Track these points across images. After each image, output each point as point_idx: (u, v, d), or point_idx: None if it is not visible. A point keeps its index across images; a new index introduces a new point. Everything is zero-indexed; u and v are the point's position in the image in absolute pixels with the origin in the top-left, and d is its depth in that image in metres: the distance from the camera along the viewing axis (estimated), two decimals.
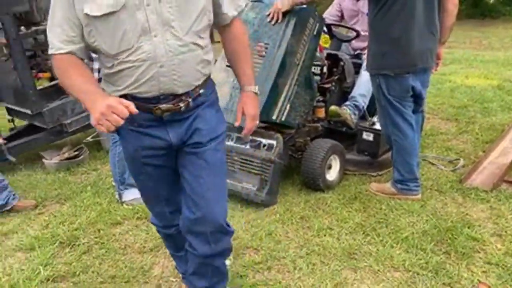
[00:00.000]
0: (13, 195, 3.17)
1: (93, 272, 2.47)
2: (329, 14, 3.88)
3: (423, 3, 2.67)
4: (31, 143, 3.96)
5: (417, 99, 2.91)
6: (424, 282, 2.22)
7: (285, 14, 2.92)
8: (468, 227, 2.64)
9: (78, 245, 2.73)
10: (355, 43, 3.78)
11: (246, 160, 3.09)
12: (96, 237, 2.80)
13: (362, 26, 3.49)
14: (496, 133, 4.12)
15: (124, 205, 3.11)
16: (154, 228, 2.76)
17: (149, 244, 2.69)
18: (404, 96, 2.82)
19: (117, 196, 3.19)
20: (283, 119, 3.03)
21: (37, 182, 3.67)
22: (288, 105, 3.03)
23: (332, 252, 2.49)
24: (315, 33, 3.05)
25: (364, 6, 3.47)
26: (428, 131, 4.25)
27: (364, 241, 2.58)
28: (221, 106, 3.02)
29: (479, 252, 2.43)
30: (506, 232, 2.59)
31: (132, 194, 3.13)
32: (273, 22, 2.94)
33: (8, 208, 3.14)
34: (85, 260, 2.58)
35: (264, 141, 3.09)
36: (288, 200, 3.09)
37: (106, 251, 2.65)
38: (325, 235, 2.66)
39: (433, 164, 3.55)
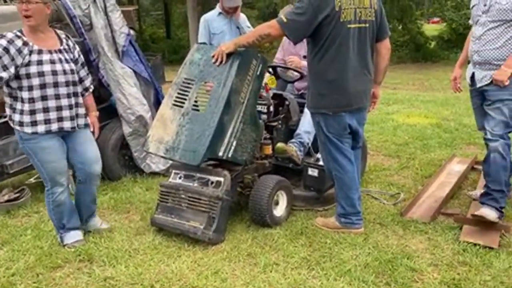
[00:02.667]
0: None
1: None
2: (276, 58, 4.08)
3: (357, 47, 2.87)
4: None
5: (355, 135, 3.07)
6: None
7: (228, 55, 3.03)
8: (408, 258, 2.74)
9: None
10: (298, 84, 3.96)
11: (194, 197, 3.09)
12: (34, 282, 2.67)
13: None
14: (434, 168, 4.36)
15: (66, 247, 3.00)
16: (96, 271, 2.71)
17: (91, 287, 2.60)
18: (341, 133, 2.97)
19: (58, 239, 3.09)
20: (229, 155, 3.08)
21: None
22: (235, 142, 3.09)
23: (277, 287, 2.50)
24: (258, 73, 3.18)
25: (301, 49, 3.68)
26: (372, 167, 4.43)
27: (309, 276, 2.61)
28: (167, 144, 3.09)
29: (417, 282, 2.52)
30: (442, 262, 2.70)
31: (73, 237, 3.05)
32: (217, 63, 3.05)
33: None
34: None
35: (211, 178, 3.11)
36: (236, 237, 3.10)
37: None
38: (271, 271, 2.67)
39: (375, 198, 3.69)
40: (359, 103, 2.97)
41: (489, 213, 2.99)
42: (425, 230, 3.09)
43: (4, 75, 2.65)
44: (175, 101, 3.17)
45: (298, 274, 2.62)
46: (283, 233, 3.12)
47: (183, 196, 3.13)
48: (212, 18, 4.50)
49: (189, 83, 3.17)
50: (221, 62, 3.03)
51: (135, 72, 4.42)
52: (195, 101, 3.11)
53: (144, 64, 4.55)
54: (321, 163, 3.45)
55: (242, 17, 4.69)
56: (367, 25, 2.89)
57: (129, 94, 4.26)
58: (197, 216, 3.05)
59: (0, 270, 2.79)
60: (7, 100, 2.81)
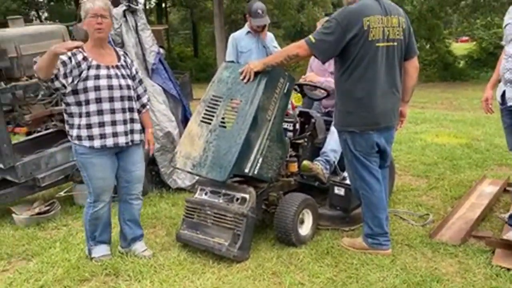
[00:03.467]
0: None
1: None
2: (307, 75, 4.09)
3: (385, 66, 2.86)
4: (2, 198, 3.89)
5: (382, 154, 3.03)
6: None
7: (256, 73, 3.07)
8: (437, 282, 2.65)
9: None
10: (325, 101, 3.95)
11: (219, 214, 3.10)
12: None
13: (331, 83, 3.66)
14: (464, 189, 4.24)
15: (93, 261, 3.04)
16: (122, 285, 2.73)
17: None
18: (369, 152, 2.94)
19: (86, 252, 3.13)
20: (255, 172, 3.09)
21: (4, 237, 3.58)
22: (261, 159, 3.10)
23: None
24: (285, 91, 3.19)
25: (330, 67, 3.68)
26: (400, 187, 4.35)
27: None
28: (194, 160, 3.13)
29: None
30: (473, 286, 2.61)
31: (102, 251, 3.08)
32: (245, 81, 3.08)
33: None
34: None
35: (237, 194, 3.12)
36: (260, 255, 3.07)
37: None
38: None
39: (403, 219, 3.61)
40: (387, 122, 2.94)
41: None
42: (455, 253, 3.00)
43: (64, 82, 2.74)
44: (203, 117, 3.21)
45: None
46: (308, 253, 3.08)
47: (208, 212, 3.15)
48: (240, 36, 4.58)
49: (217, 100, 3.21)
50: (248, 79, 3.06)
51: (164, 89, 4.52)
52: (223, 118, 3.14)
53: (172, 81, 4.65)
54: (347, 182, 3.41)
55: (269, 36, 4.76)
56: (396, 43, 2.88)
57: (158, 111, 4.35)
58: (222, 232, 3.05)
59: (30, 282, 2.85)
60: (65, 116, 2.91)
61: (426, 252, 3.05)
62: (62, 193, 4.20)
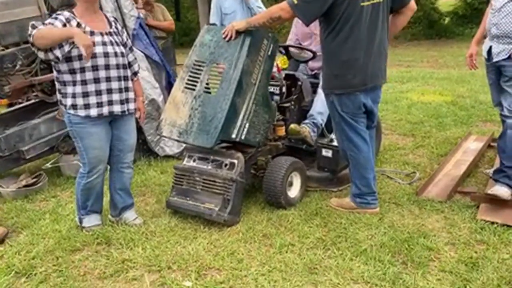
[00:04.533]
0: None
1: None
2: (289, 39, 4.02)
3: (371, 25, 2.81)
4: None
5: (369, 114, 3.03)
6: None
7: (239, 34, 3.00)
8: (424, 237, 2.72)
9: (35, 274, 2.63)
10: (312, 64, 3.90)
11: (208, 180, 3.10)
12: (54, 265, 2.72)
13: (316, 47, 3.61)
14: (450, 146, 4.30)
15: (84, 231, 3.05)
16: (114, 253, 2.75)
17: (109, 270, 2.63)
18: (356, 112, 2.93)
19: (77, 221, 3.13)
20: (242, 137, 3.07)
21: None
22: (247, 124, 3.08)
23: (293, 268, 2.52)
24: (269, 53, 3.14)
25: (316, 28, 3.60)
26: (387, 146, 4.39)
27: (325, 256, 2.62)
28: (180, 127, 3.10)
29: (434, 261, 2.51)
30: (459, 240, 2.68)
31: (93, 221, 3.08)
32: (227, 39, 3.01)
33: None
34: None
35: (225, 160, 3.12)
36: (251, 219, 3.11)
37: (64, 279, 2.57)
38: (286, 252, 2.68)
39: (391, 178, 3.67)
40: (374, 82, 2.92)
41: (502, 191, 2.97)
42: (441, 209, 3.06)
43: (58, 54, 2.65)
44: (187, 84, 3.16)
45: (313, 254, 2.63)
46: (297, 214, 3.12)
47: (197, 178, 3.15)
48: None
49: (200, 65, 3.15)
50: (230, 38, 3.00)
51: (146, 55, 4.41)
52: (207, 84, 3.09)
53: (154, 47, 4.54)
54: (334, 143, 3.43)
55: None
56: (380, 0, 2.83)
57: (141, 78, 4.23)
58: (212, 198, 3.07)
59: (21, 253, 2.85)
60: (57, 85, 2.84)
61: (413, 209, 3.11)
62: (48, 165, 4.15)
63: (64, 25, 2.67)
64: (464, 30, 16.52)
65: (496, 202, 2.96)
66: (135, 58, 3.10)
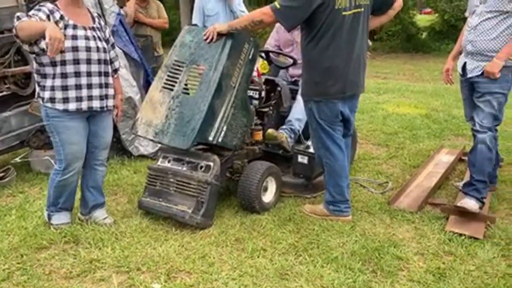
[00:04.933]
0: None
1: None
2: (269, 44, 4.03)
3: (352, 33, 2.85)
4: None
5: (346, 123, 3.06)
6: None
7: (220, 36, 2.99)
8: (394, 247, 2.76)
9: None
10: (292, 70, 3.92)
11: (183, 181, 3.07)
12: (18, 263, 2.63)
13: (297, 54, 3.63)
14: (423, 158, 4.38)
15: (52, 228, 2.96)
16: (82, 252, 2.68)
17: (76, 269, 2.57)
18: (333, 120, 2.96)
19: (45, 217, 3.04)
20: (219, 140, 3.05)
21: None
22: (225, 127, 3.06)
23: (264, 273, 2.51)
24: (250, 57, 3.14)
25: (298, 36, 3.62)
26: (361, 155, 4.45)
27: (296, 262, 2.62)
28: (156, 127, 3.06)
29: (403, 270, 2.54)
30: (428, 251, 2.73)
31: (62, 219, 3.00)
32: (208, 41, 3.00)
33: None
34: None
35: (201, 162, 3.09)
36: (224, 222, 3.09)
37: (28, 278, 2.49)
38: (258, 257, 2.67)
39: (364, 186, 3.71)
40: (353, 90, 2.96)
41: (471, 204, 3.04)
42: (412, 220, 3.11)
43: (44, 46, 2.56)
44: (165, 83, 3.13)
45: (285, 260, 2.63)
46: (271, 219, 3.12)
47: (171, 180, 3.11)
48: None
49: (179, 66, 3.12)
50: (211, 39, 2.99)
51: (124, 53, 4.34)
52: (186, 84, 3.06)
53: (134, 44, 4.48)
54: (311, 150, 3.45)
55: (236, 1, 4.62)
56: (362, 9, 2.87)
57: (119, 75, 4.17)
58: (185, 200, 3.03)
59: None
60: (36, 78, 2.77)
61: (384, 218, 3.15)
62: (17, 159, 4.04)
63: (48, 17, 2.62)
64: (440, 46, 16.96)
65: (465, 215, 3.03)
66: (116, 55, 3.06)
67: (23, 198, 3.56)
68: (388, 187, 3.68)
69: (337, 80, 2.87)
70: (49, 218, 3.01)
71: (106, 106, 2.90)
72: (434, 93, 7.88)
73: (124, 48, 4.34)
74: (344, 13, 2.79)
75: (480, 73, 3.10)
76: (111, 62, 2.97)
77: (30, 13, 2.63)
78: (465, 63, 3.23)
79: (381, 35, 17.81)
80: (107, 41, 2.92)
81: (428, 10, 29.29)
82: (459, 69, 3.32)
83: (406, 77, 11.07)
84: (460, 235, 2.86)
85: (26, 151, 4.17)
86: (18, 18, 2.56)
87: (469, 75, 3.19)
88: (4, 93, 4.29)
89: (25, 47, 2.65)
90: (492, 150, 3.14)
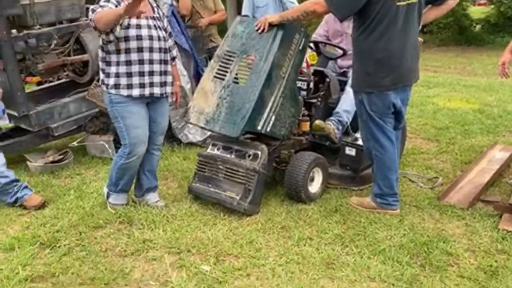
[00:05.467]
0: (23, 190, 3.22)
1: (72, 273, 2.47)
2: (317, 34, 4.01)
3: (405, 24, 2.79)
4: (16, 145, 3.95)
5: (397, 115, 3.02)
6: None
7: (272, 27, 3.02)
8: (444, 242, 2.71)
9: (59, 246, 2.72)
10: (341, 61, 3.89)
11: (231, 169, 3.14)
12: (77, 240, 2.81)
13: (347, 45, 3.61)
14: (475, 154, 4.24)
15: (108, 207, 3.12)
16: (136, 233, 2.81)
17: (130, 248, 2.70)
18: (385, 112, 2.93)
19: (104, 193, 3.19)
20: (268, 129, 3.09)
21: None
22: (274, 117, 3.10)
23: (311, 261, 2.54)
24: (300, 48, 3.15)
25: (348, 27, 3.59)
26: (410, 150, 4.36)
27: (343, 252, 2.63)
28: (208, 115, 3.14)
29: (452, 266, 2.50)
30: (479, 248, 2.66)
31: (120, 199, 3.15)
32: (259, 31, 3.04)
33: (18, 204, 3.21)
34: (65, 261, 2.58)
35: (249, 151, 3.15)
36: (270, 210, 3.14)
37: (86, 254, 2.65)
38: (304, 245, 2.70)
39: (412, 181, 3.64)
40: (406, 81, 2.91)
41: None
42: (462, 216, 3.04)
43: (118, 34, 2.75)
44: (217, 73, 3.19)
45: (331, 249, 2.65)
46: (317, 210, 3.14)
47: (220, 166, 3.19)
48: None
49: (230, 56, 3.18)
50: (263, 30, 3.03)
51: (176, 43, 4.45)
52: (236, 74, 3.12)
53: (185, 35, 4.58)
54: (359, 142, 3.42)
55: None
56: (416, 1, 2.81)
57: None
58: (233, 187, 3.10)
59: (46, 226, 2.95)
60: (101, 65, 2.93)
61: (433, 213, 3.09)
62: (75, 143, 4.26)
63: (116, 6, 2.75)
64: (495, 39, 16.18)
65: None
66: (174, 44, 3.18)
67: (80, 179, 3.75)
68: (438, 182, 3.60)
69: (390, 72, 2.83)
70: (108, 197, 3.16)
71: (165, 93, 3.03)
72: (487, 87, 7.55)
73: (175, 39, 4.42)
74: (398, 3, 2.75)
75: None
76: (169, 50, 3.08)
77: (101, 3, 2.77)
78: None
79: (432, 28, 17.18)
80: (165, 30, 3.02)
81: (483, 1, 27.97)
82: None
83: (457, 70, 10.67)
84: None
85: (82, 135, 4.39)
86: (93, 10, 2.71)
87: None
88: (64, 80, 4.52)
89: (103, 37, 2.78)
90: None
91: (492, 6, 18.90)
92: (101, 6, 2.74)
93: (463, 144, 4.54)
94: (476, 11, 20.47)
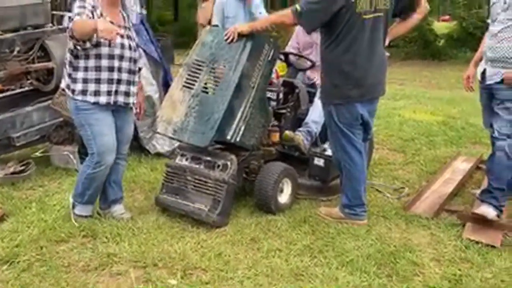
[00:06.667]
0: None
1: None
2: (290, 46, 4.06)
3: (372, 37, 2.86)
4: None
5: (365, 127, 3.06)
6: None
7: (240, 37, 3.02)
8: (410, 252, 2.74)
9: (18, 262, 2.60)
10: (310, 73, 3.93)
11: (200, 180, 3.10)
12: (38, 254, 2.69)
13: (317, 57, 3.65)
14: (439, 164, 4.35)
15: (72, 218, 3.00)
16: (100, 247, 2.73)
17: (93, 263, 2.61)
18: (353, 123, 2.97)
19: (70, 203, 3.07)
20: (237, 139, 3.08)
21: None
22: (243, 126, 3.09)
23: (279, 273, 2.52)
24: (270, 58, 3.17)
25: (318, 38, 3.64)
26: (377, 160, 4.43)
27: (311, 263, 2.62)
28: (176, 125, 3.10)
29: (418, 276, 2.53)
30: (444, 257, 2.71)
31: (85, 211, 3.04)
32: (228, 41, 3.04)
33: None
34: (24, 278, 2.46)
35: (218, 161, 3.12)
36: (240, 222, 3.11)
37: (47, 269, 2.54)
38: (273, 257, 2.68)
39: (379, 191, 3.70)
40: (373, 94, 2.97)
41: (488, 211, 3.01)
42: (428, 226, 3.10)
43: (95, 42, 2.70)
44: (185, 82, 3.17)
45: (300, 261, 2.64)
46: (286, 220, 3.13)
47: (189, 177, 3.14)
48: (227, 1, 4.48)
49: (199, 65, 3.16)
50: (232, 40, 3.02)
51: (145, 52, 4.40)
52: (205, 84, 3.10)
53: (154, 44, 4.54)
54: (327, 153, 3.45)
55: (255, 3, 4.65)
56: (382, 14, 2.88)
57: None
58: (202, 198, 3.06)
59: (5, 241, 2.81)
60: (68, 69, 2.84)
61: (400, 223, 3.14)
62: (38, 153, 4.11)
63: (92, 13, 2.71)
64: (458, 54, 16.79)
65: (482, 222, 3.00)
66: (140, 55, 3.13)
67: (42, 191, 3.62)
68: (404, 193, 3.67)
69: (356, 84, 2.88)
70: (73, 207, 3.05)
71: (130, 103, 2.97)
72: (451, 100, 7.81)
73: (144, 47, 4.39)
74: (364, 16, 2.81)
75: (499, 79, 3.07)
76: (136, 61, 3.03)
77: (76, 10, 2.70)
78: (484, 70, 3.21)
79: (397, 42, 17.69)
80: (134, 40, 2.99)
81: (446, 17, 29.06)
82: (479, 76, 3.30)
83: (422, 83, 10.98)
84: (477, 242, 2.84)
85: (46, 146, 4.25)
86: (70, 18, 2.66)
87: (488, 82, 3.16)
88: (27, 88, 4.38)
89: (79, 43, 2.71)
90: (511, 158, 3.11)
91: (455, 22, 19.65)
92: (78, 14, 2.67)
93: (428, 155, 4.65)
94: (441, 27, 21.23)
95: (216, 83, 3.04)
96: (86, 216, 3.04)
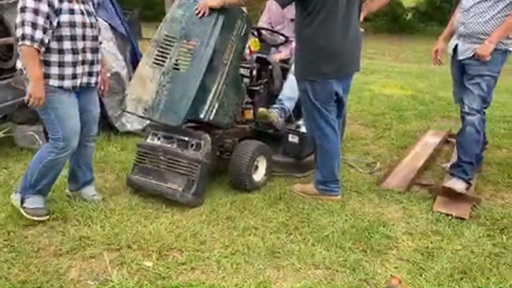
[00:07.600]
0: None
1: (0, 277, 2.28)
2: (262, 21, 3.97)
3: (347, 11, 2.81)
4: None
5: (339, 104, 3.05)
6: (342, 278, 2.32)
7: (213, 12, 2.92)
8: (383, 226, 2.80)
9: None
10: (283, 48, 3.87)
11: (173, 160, 3.03)
12: (5, 240, 2.59)
13: (288, 32, 3.59)
14: (410, 139, 4.43)
15: (25, 214, 2.75)
16: (71, 230, 2.65)
17: (65, 247, 2.54)
18: (328, 100, 2.95)
19: (17, 201, 2.80)
20: (211, 118, 3.01)
21: None
22: (217, 104, 3.02)
23: (256, 251, 2.52)
24: (242, 33, 3.08)
25: (289, 13, 3.57)
26: (349, 135, 4.47)
27: (287, 240, 2.64)
28: (146, 103, 3.00)
29: (392, 249, 2.59)
30: (416, 230, 2.78)
31: (38, 202, 2.81)
32: (199, 16, 2.93)
33: None
34: None
35: (191, 140, 3.05)
36: (215, 201, 3.08)
37: (16, 255, 2.45)
38: (250, 235, 2.68)
39: (352, 166, 3.74)
40: (348, 69, 2.94)
41: (458, 185, 3.11)
42: (400, 200, 3.16)
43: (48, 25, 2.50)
44: (155, 59, 3.05)
45: (276, 238, 2.64)
46: (261, 198, 3.12)
47: (161, 157, 3.07)
48: None
49: (170, 41, 3.04)
50: (203, 14, 2.92)
51: (110, 26, 4.22)
52: (176, 60, 3.00)
53: (120, 18, 4.35)
54: (301, 129, 3.44)
55: None
56: None
57: (104, 49, 4.06)
58: (176, 178, 3.01)
59: None
60: None
61: (373, 198, 3.19)
62: (1, 134, 3.92)
63: (49, 5, 2.48)
64: (426, 27, 17.04)
65: (452, 195, 3.09)
66: (100, 29, 2.94)
67: (7, 174, 3.47)
68: (376, 167, 3.72)
69: (332, 59, 2.84)
70: (22, 202, 2.80)
71: (96, 83, 2.83)
72: (420, 74, 7.95)
73: (110, 21, 4.22)
74: None
75: (471, 55, 3.11)
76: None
77: (28, 17, 2.43)
78: (456, 45, 3.23)
79: (366, 15, 17.76)
80: (94, 16, 2.80)
81: None
82: (450, 51, 3.33)
83: (391, 57, 11.12)
84: (447, 215, 2.92)
85: (9, 125, 4.06)
86: (31, 38, 2.43)
87: (460, 57, 3.20)
88: None
89: None
90: (480, 133, 3.18)
91: None
92: (33, 25, 2.43)
93: (398, 130, 4.72)
94: (408, 0, 21.38)
95: (188, 60, 2.94)
96: (39, 209, 2.78)
